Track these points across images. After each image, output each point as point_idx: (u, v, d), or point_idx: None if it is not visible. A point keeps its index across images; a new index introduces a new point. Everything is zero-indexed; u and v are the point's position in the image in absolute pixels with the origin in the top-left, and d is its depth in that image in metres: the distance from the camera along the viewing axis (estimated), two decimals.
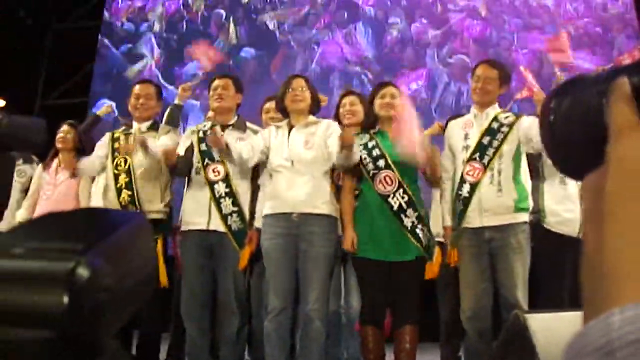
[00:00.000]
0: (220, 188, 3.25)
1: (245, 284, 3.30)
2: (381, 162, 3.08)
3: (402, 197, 3.01)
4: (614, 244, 0.27)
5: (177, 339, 3.65)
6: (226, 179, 3.26)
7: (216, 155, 3.28)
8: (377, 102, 3.18)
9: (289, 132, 3.17)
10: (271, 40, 7.25)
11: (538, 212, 3.65)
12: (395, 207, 3.00)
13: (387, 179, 3.05)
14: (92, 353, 0.41)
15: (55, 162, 4.03)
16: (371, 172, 3.08)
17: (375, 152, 3.11)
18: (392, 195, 3.02)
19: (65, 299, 0.39)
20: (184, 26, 7.60)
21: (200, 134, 3.39)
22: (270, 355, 2.98)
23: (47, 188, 3.95)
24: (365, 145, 3.12)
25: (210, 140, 3.09)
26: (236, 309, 3.18)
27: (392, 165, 3.06)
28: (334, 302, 3.25)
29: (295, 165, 3.07)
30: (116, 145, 3.53)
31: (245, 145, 3.18)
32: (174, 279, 3.64)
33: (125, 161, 3.47)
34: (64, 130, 4.04)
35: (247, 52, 7.28)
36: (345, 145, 2.90)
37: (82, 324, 0.40)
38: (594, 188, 0.30)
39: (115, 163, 3.49)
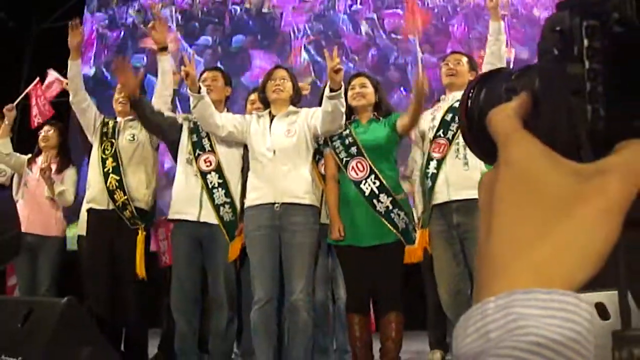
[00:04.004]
0: (213, 178, 3.25)
1: (235, 277, 3.29)
2: (353, 149, 3.12)
3: (374, 183, 3.03)
4: (495, 239, 0.32)
5: (168, 333, 3.65)
6: (218, 169, 3.27)
7: (207, 146, 3.29)
8: (349, 93, 3.20)
9: (271, 122, 3.19)
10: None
11: None
12: (367, 192, 3.03)
13: (359, 165, 3.08)
14: None
15: (40, 159, 4.07)
16: (344, 159, 3.11)
17: (348, 140, 3.14)
18: (363, 182, 3.05)
19: None
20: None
21: (192, 125, 3.39)
22: (258, 346, 2.98)
23: (30, 182, 4.04)
24: (340, 135, 3.15)
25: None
26: (225, 303, 3.18)
27: (364, 152, 3.09)
28: (322, 293, 3.25)
29: (277, 154, 3.08)
30: (104, 129, 3.60)
31: (221, 114, 3.25)
32: (164, 274, 3.64)
33: (112, 145, 3.51)
34: (46, 130, 4.15)
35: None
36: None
37: None
38: (488, 184, 0.34)
39: (102, 147, 3.54)
